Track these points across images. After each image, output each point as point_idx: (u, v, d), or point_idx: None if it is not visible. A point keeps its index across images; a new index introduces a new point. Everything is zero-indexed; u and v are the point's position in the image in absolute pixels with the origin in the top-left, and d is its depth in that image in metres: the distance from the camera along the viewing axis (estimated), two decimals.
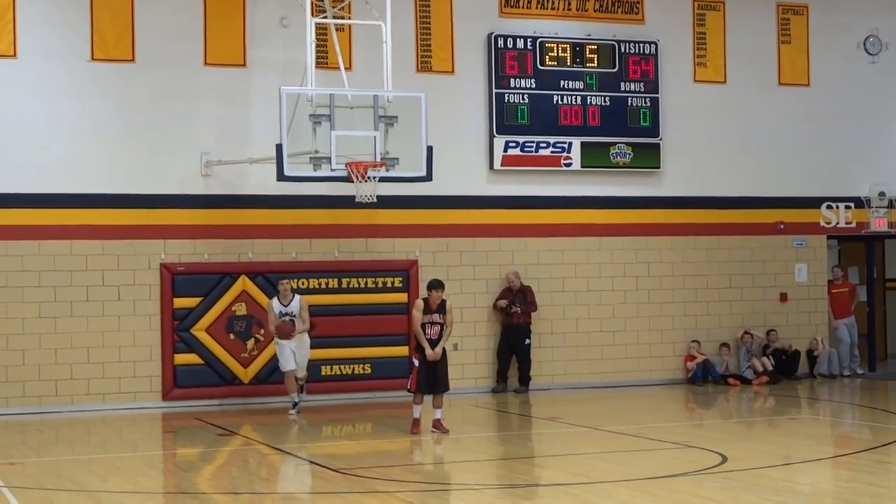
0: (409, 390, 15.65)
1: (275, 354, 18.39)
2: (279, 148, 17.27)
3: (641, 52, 21.65)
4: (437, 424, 15.44)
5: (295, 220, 19.74)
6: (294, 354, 17.76)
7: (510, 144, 20.91)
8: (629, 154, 21.55)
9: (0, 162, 18.60)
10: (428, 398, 15.60)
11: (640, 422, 16.67)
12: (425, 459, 14.36)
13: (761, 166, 22.55)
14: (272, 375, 19.23)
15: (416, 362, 15.45)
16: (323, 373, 19.66)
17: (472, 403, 19.08)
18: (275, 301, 17.77)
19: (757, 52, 22.63)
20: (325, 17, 18.83)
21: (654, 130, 21.68)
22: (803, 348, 22.56)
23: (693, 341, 21.79)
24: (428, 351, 15.24)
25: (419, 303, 15.54)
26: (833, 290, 22.92)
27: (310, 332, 17.96)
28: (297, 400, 17.87)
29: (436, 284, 15.50)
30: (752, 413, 18.77)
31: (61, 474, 12.86)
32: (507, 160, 20.91)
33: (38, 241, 18.65)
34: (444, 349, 15.44)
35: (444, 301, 15.43)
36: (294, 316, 17.61)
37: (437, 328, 15.32)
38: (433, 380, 15.36)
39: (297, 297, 17.79)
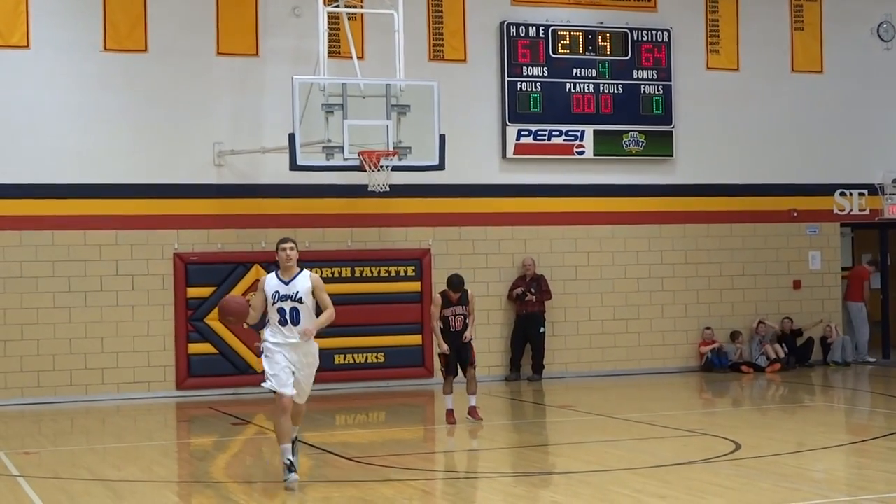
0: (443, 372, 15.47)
1: None
2: (292, 137, 17.30)
3: (654, 39, 21.61)
4: (471, 412, 15.27)
5: (308, 209, 19.76)
6: (293, 372, 11.56)
7: (523, 133, 20.89)
8: (642, 142, 21.52)
9: (14, 152, 18.65)
10: (460, 387, 15.47)
11: (653, 410, 16.67)
12: (439, 448, 14.38)
13: (774, 154, 22.50)
14: None
15: (439, 352, 15.29)
16: (336, 362, 19.68)
17: (486, 392, 19.08)
18: (271, 278, 11.58)
19: (770, 40, 22.56)
20: (338, 7, 18.84)
21: (666, 118, 21.65)
22: (817, 335, 22.53)
23: (706, 328, 21.77)
24: (443, 346, 15.15)
25: (437, 298, 15.33)
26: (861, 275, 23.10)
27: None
28: (291, 458, 11.28)
29: (456, 284, 15.27)
30: (765, 400, 18.76)
31: (76, 463, 12.91)
32: (519, 148, 20.90)
33: (52, 232, 18.69)
34: (470, 343, 15.32)
35: (465, 291, 15.26)
36: (300, 301, 11.40)
37: (461, 319, 15.16)
38: (461, 360, 15.24)
39: (305, 272, 11.64)
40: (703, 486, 10.70)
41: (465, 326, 15.19)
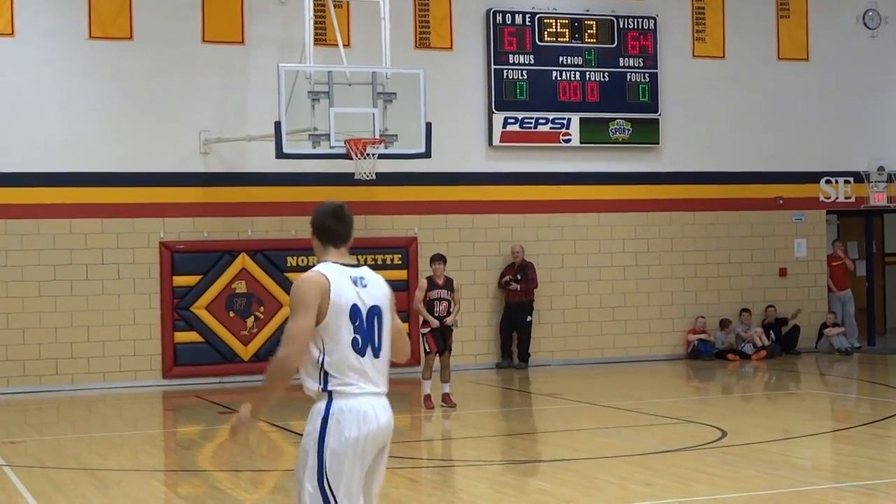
0: (427, 352, 15.62)
1: (277, 332, 18.51)
2: (278, 125, 17.26)
3: (640, 27, 21.59)
4: (445, 399, 15.58)
5: (294, 197, 19.72)
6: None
7: (509, 120, 20.88)
8: (628, 130, 21.52)
9: None
10: (435, 375, 15.66)
11: (639, 397, 16.70)
12: (426, 436, 14.39)
13: (760, 141, 22.53)
14: (272, 353, 19.27)
15: (426, 330, 15.56)
16: None
17: (473, 380, 19.10)
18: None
19: (756, 27, 22.56)
20: None
21: (652, 106, 21.64)
22: (803, 323, 22.54)
23: (700, 317, 21.75)
24: (433, 322, 15.39)
25: (423, 282, 15.75)
26: (833, 263, 22.99)
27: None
28: None
29: (437, 257, 15.71)
30: (751, 388, 18.80)
31: (62, 453, 12.88)
32: (506, 136, 20.89)
33: (37, 220, 18.64)
34: (450, 330, 15.58)
35: (450, 279, 15.62)
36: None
37: (445, 304, 15.48)
38: (443, 342, 15.49)
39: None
40: (689, 474, 10.72)
41: (448, 313, 15.52)
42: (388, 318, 6.46)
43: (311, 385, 6.24)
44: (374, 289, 6.48)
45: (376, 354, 6.33)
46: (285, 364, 6.27)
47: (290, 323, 6.25)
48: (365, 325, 6.33)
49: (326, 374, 6.21)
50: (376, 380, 6.29)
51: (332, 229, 6.50)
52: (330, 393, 6.19)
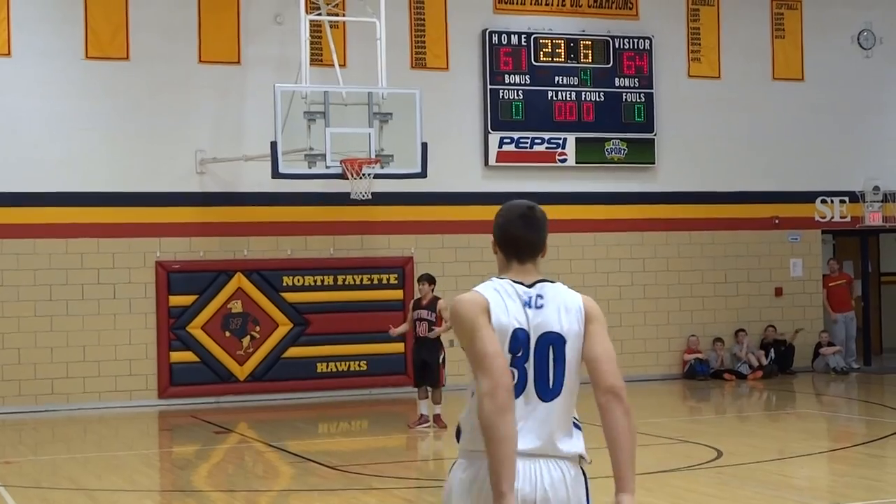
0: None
1: (273, 352, 18.54)
2: (274, 145, 17.29)
3: (636, 47, 21.65)
4: (436, 420, 15.51)
5: (290, 217, 19.75)
6: None
7: (505, 140, 20.91)
8: (624, 150, 21.56)
9: None
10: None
11: (635, 417, 16.66)
12: (422, 456, 14.37)
13: (756, 161, 22.56)
14: (268, 373, 19.27)
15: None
16: (319, 370, 19.66)
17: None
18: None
19: (751, 47, 22.63)
20: (320, 14, 18.85)
21: (648, 126, 21.68)
22: (799, 343, 22.53)
23: (692, 336, 21.77)
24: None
25: (413, 303, 15.83)
26: (830, 284, 22.94)
27: None
28: None
29: (422, 278, 15.86)
30: (747, 408, 18.79)
31: (58, 473, 12.86)
32: (501, 156, 20.92)
33: (33, 240, 18.64)
34: (437, 346, 15.43)
35: (436, 298, 15.56)
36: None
37: (425, 325, 15.43)
38: (425, 372, 15.40)
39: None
40: (684, 494, 10.72)
41: (430, 332, 15.46)
42: (574, 350, 4.99)
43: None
44: (555, 310, 4.95)
45: (545, 396, 4.89)
46: (488, 407, 4.71)
47: (471, 350, 4.93)
48: (531, 357, 4.89)
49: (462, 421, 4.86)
50: (538, 432, 4.90)
51: (520, 239, 4.95)
52: (463, 449, 4.88)
